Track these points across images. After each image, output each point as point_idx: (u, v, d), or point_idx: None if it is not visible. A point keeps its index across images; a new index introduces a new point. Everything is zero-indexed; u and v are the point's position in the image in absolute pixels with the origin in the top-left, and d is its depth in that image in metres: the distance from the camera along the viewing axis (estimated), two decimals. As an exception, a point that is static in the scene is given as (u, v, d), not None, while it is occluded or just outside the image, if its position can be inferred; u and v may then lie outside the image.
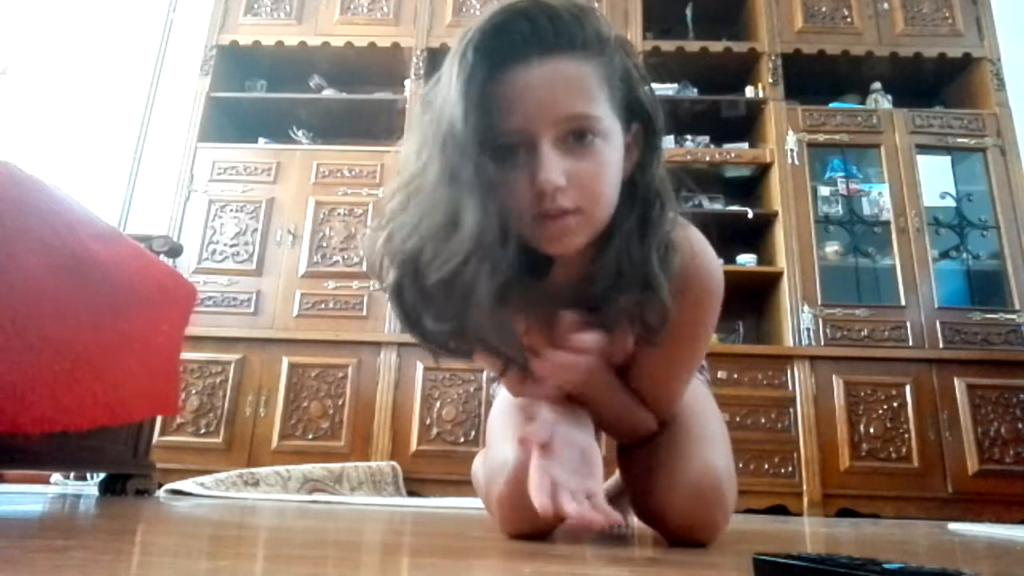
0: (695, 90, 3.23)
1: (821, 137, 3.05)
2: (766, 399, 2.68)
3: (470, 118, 0.63)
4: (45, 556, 0.57)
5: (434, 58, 3.16)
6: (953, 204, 2.97)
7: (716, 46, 3.20)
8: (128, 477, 1.72)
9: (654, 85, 0.76)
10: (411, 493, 2.57)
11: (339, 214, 2.99)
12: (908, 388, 2.66)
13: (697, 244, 0.77)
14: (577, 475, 0.69)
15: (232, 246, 2.95)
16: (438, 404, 2.70)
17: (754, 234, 3.13)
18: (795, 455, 2.61)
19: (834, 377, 2.69)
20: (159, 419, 2.21)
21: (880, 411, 2.64)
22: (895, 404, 2.65)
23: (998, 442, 2.59)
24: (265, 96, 3.36)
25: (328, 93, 3.34)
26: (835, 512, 2.53)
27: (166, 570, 0.54)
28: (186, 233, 2.94)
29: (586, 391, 0.82)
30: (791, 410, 2.66)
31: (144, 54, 3.63)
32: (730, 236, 3.10)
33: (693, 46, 3.19)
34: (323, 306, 2.86)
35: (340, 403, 2.72)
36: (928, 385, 2.67)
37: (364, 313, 2.84)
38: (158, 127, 3.52)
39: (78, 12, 3.73)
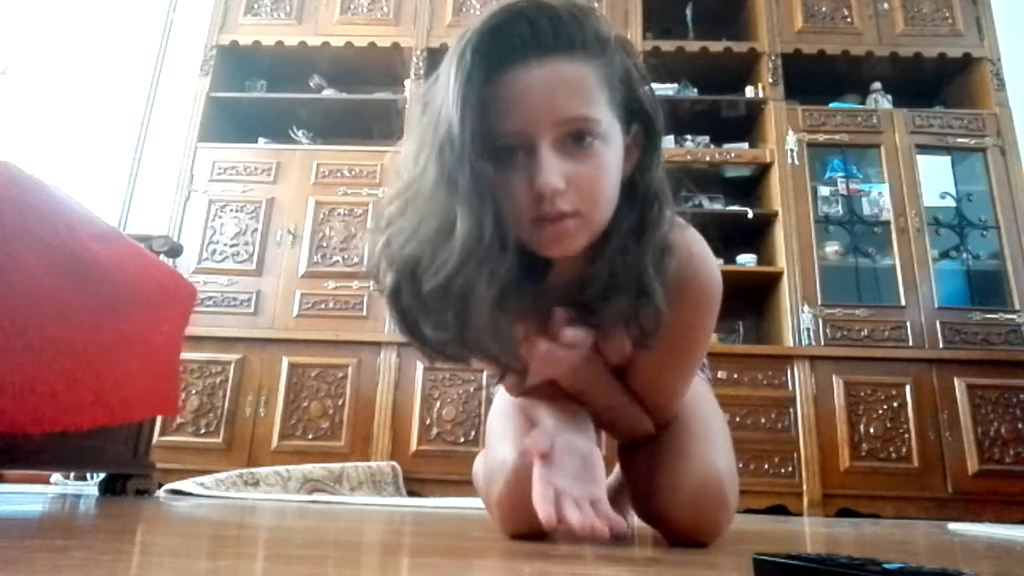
0: (695, 90, 3.23)
1: (821, 137, 3.05)
2: (766, 399, 2.68)
3: (467, 122, 0.62)
4: (45, 556, 0.57)
5: (434, 58, 3.16)
6: (953, 204, 2.97)
7: (716, 46, 3.20)
8: (128, 477, 1.72)
9: (654, 85, 0.75)
10: (411, 493, 2.57)
11: (339, 214, 2.99)
12: (908, 388, 2.66)
13: (695, 246, 0.76)
14: (580, 482, 0.69)
15: (232, 246, 2.95)
16: (438, 404, 2.70)
17: (754, 234, 3.13)
18: (795, 455, 2.61)
19: (834, 377, 2.69)
20: (159, 419, 2.21)
21: (880, 411, 2.64)
22: (895, 404, 2.65)
23: (998, 442, 2.59)
24: (265, 96, 3.36)
25: (328, 93, 3.34)
26: (835, 512, 2.53)
27: (166, 570, 0.54)
28: (186, 233, 2.94)
29: (584, 389, 0.82)
30: (791, 410, 2.66)
31: (144, 54, 3.63)
32: (730, 236, 3.10)
33: (693, 46, 3.19)
34: (323, 306, 2.86)
35: (340, 403, 2.72)
36: (928, 385, 2.67)
37: (364, 313, 2.84)
38: (158, 127, 3.52)
39: (78, 12, 3.73)
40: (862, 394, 2.67)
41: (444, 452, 2.64)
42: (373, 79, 3.40)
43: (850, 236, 2.96)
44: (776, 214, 2.95)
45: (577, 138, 0.66)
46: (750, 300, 3.09)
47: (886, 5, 3.22)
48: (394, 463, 2.58)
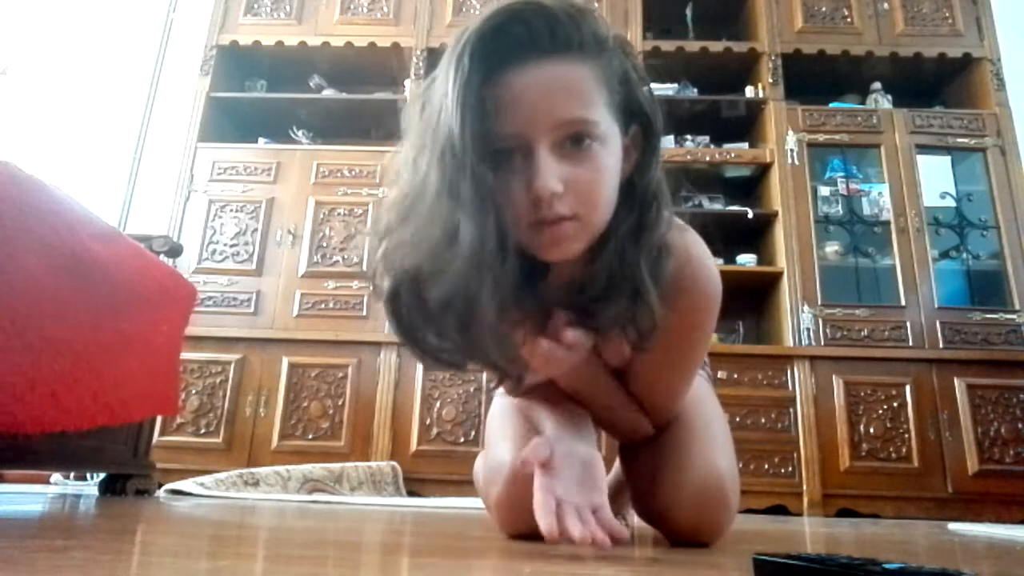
0: (695, 90, 3.23)
1: (821, 137, 3.05)
2: (766, 399, 2.68)
3: (467, 128, 0.61)
4: (45, 556, 0.57)
5: (434, 58, 3.15)
6: (953, 204, 2.97)
7: (716, 46, 3.20)
8: (128, 477, 1.72)
9: (654, 85, 0.75)
10: (411, 493, 2.57)
11: (339, 214, 2.99)
12: (908, 388, 2.66)
13: (694, 248, 0.76)
14: (581, 489, 0.69)
15: (232, 246, 2.95)
16: (438, 404, 2.70)
17: (754, 234, 3.13)
18: (795, 455, 2.61)
19: (834, 377, 2.69)
20: (159, 419, 2.21)
21: (880, 411, 2.64)
22: (895, 404, 2.65)
23: (998, 442, 2.59)
24: (265, 96, 3.36)
25: (328, 93, 3.34)
26: (835, 512, 2.54)
27: (166, 570, 0.54)
28: (186, 233, 2.94)
29: (583, 390, 0.82)
30: (791, 410, 2.66)
31: (144, 54, 3.63)
32: (730, 236, 3.10)
33: (693, 46, 3.19)
34: (323, 306, 2.86)
35: (340, 403, 2.72)
36: (928, 385, 2.67)
37: (364, 313, 2.84)
38: (158, 127, 3.52)
39: (78, 12, 3.73)
40: (862, 394, 2.67)
41: (444, 452, 2.64)
42: (373, 79, 3.40)
43: (850, 236, 2.96)
44: (776, 214, 2.95)
45: (575, 140, 0.65)
46: (750, 300, 3.09)
47: (886, 5, 3.22)
48: (394, 463, 2.58)
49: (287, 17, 3.31)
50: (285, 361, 2.76)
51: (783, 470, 2.60)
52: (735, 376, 2.70)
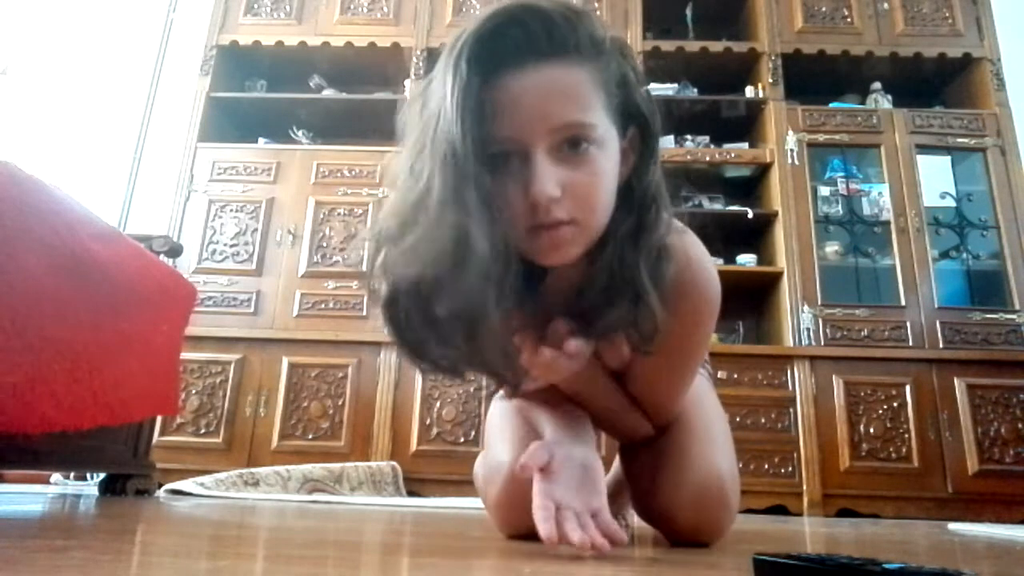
0: (695, 90, 3.23)
1: (821, 137, 3.05)
2: (766, 399, 2.68)
3: (468, 135, 0.61)
4: (45, 556, 0.57)
5: (434, 58, 3.10)
6: (953, 204, 2.97)
7: (716, 46, 3.20)
8: (128, 477, 1.72)
9: (654, 85, 0.75)
10: (411, 493, 2.57)
11: (339, 214, 2.99)
12: (908, 388, 2.66)
13: (693, 251, 0.76)
14: (580, 493, 0.69)
15: (232, 246, 2.95)
16: (438, 404, 2.70)
17: (754, 234, 3.13)
18: (795, 455, 2.61)
19: (834, 377, 2.69)
20: (159, 419, 2.21)
21: (880, 411, 2.64)
22: (895, 404, 2.65)
23: (998, 442, 2.59)
24: (265, 96, 3.36)
25: (328, 93, 3.34)
26: (835, 512, 2.54)
27: (166, 570, 0.54)
28: (186, 233, 2.94)
29: (582, 391, 0.82)
30: (791, 410, 2.66)
31: (144, 54, 3.63)
32: (730, 236, 3.10)
33: (693, 46, 3.19)
34: (323, 306, 2.86)
35: (340, 403, 2.72)
36: (928, 385, 2.67)
37: (364, 313, 2.84)
38: (158, 127, 3.52)
39: (78, 12, 3.73)
40: (862, 394, 2.67)
41: (444, 452, 2.64)
42: (373, 79, 3.40)
43: (850, 236, 2.96)
44: (776, 214, 2.95)
45: (572, 144, 0.64)
46: (750, 300, 3.09)
47: (886, 5, 3.22)
48: (394, 463, 2.58)
49: (287, 17, 3.31)
50: (285, 361, 2.76)
51: (783, 470, 2.60)
52: (735, 376, 2.70)
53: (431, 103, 0.65)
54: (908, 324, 2.76)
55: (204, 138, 3.11)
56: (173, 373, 1.66)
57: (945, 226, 2.94)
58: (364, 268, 0.71)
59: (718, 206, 3.15)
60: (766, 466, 2.60)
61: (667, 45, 3.19)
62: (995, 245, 2.89)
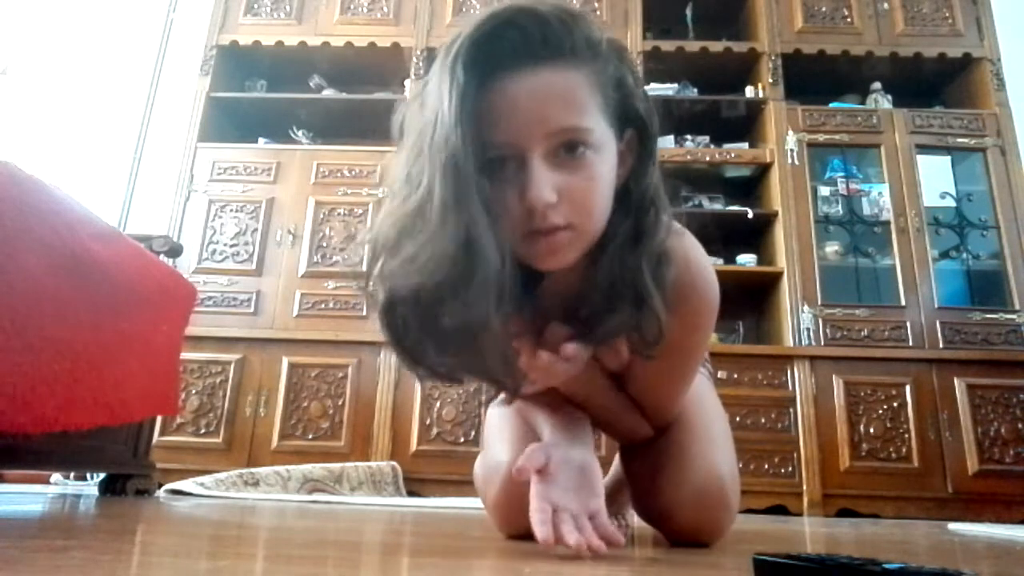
0: (695, 90, 3.23)
1: (821, 137, 3.05)
2: (766, 399, 2.68)
3: (468, 143, 0.60)
4: (45, 556, 0.57)
5: (434, 58, 3.13)
6: (953, 204, 2.97)
7: (716, 46, 3.20)
8: (128, 477, 1.72)
9: (654, 85, 0.75)
10: (411, 493, 2.57)
11: (339, 214, 2.99)
12: (908, 388, 2.66)
13: (692, 253, 0.75)
14: (577, 496, 0.69)
15: (232, 246, 2.95)
16: (438, 404, 2.70)
17: (754, 234, 3.13)
18: (795, 455, 2.61)
19: (834, 377, 2.69)
20: (159, 419, 2.21)
21: (880, 411, 2.64)
22: (895, 404, 2.65)
23: (998, 442, 2.59)
24: (265, 96, 3.36)
25: (328, 93, 3.34)
26: (835, 512, 2.54)
27: (166, 570, 0.54)
28: (186, 233, 2.94)
29: (580, 392, 0.82)
30: (791, 410, 2.66)
31: (144, 54, 3.63)
32: (730, 236, 3.10)
33: (693, 46, 3.19)
34: (323, 306, 2.86)
35: (340, 403, 2.72)
36: (928, 385, 2.67)
37: (364, 313, 2.84)
38: (158, 127, 3.52)
39: (78, 12, 3.73)
40: (862, 394, 2.67)
41: (444, 452, 2.64)
42: (373, 79, 3.40)
43: (850, 236, 2.96)
44: (776, 214, 2.95)
45: (569, 148, 0.64)
46: (750, 300, 3.09)
47: (886, 5, 3.22)
48: (394, 463, 2.58)
49: (287, 17, 3.31)
50: (285, 361, 2.76)
51: (783, 470, 2.60)
52: (735, 376, 2.70)
53: (427, 108, 0.65)
54: (908, 324, 2.76)
55: (204, 138, 3.11)
56: (173, 373, 1.66)
57: (945, 226, 2.94)
58: (364, 268, 0.70)
59: (718, 206, 3.15)
60: (766, 466, 2.60)
61: (667, 45, 3.19)
62: (995, 245, 2.89)
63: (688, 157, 3.10)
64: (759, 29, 3.22)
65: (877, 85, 3.24)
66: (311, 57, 3.33)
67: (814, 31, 3.20)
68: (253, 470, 2.27)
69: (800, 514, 2.53)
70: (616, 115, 0.69)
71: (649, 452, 0.86)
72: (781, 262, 2.88)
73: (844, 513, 2.53)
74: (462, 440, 2.65)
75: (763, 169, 3.11)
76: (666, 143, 3.07)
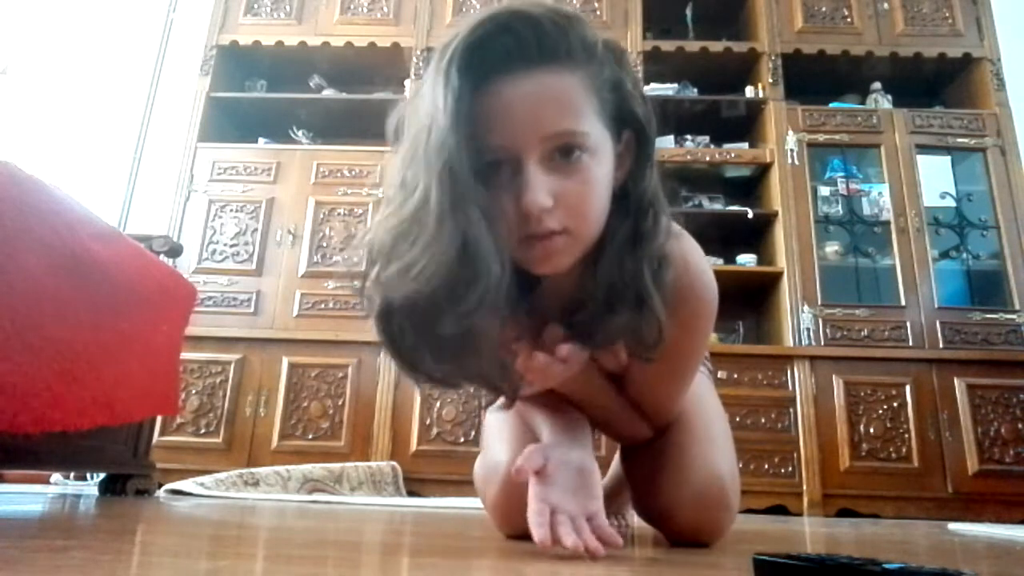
0: (695, 90, 3.23)
1: (821, 137, 3.05)
2: (766, 399, 2.68)
3: (464, 149, 0.59)
4: (45, 556, 0.57)
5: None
6: (953, 204, 2.97)
7: (716, 46, 3.20)
8: (128, 477, 1.72)
9: (654, 85, 0.75)
10: (411, 493, 2.57)
11: (339, 214, 2.99)
12: (908, 388, 2.66)
13: (691, 255, 0.75)
14: (575, 497, 0.69)
15: (232, 246, 2.95)
16: (438, 404, 2.70)
17: (754, 234, 3.13)
18: (795, 455, 2.61)
19: (834, 377, 2.69)
20: (159, 419, 2.21)
21: (880, 411, 2.64)
22: (895, 404, 2.65)
23: (998, 442, 2.59)
24: (265, 96, 3.36)
25: (328, 93, 3.34)
26: (835, 512, 2.54)
27: (166, 570, 0.54)
28: (186, 233, 2.94)
29: (578, 392, 0.82)
30: (791, 410, 2.66)
31: (144, 54, 3.63)
32: (730, 236, 3.10)
33: (693, 46, 3.19)
34: (323, 306, 2.86)
35: (340, 403, 2.72)
36: (928, 385, 2.67)
37: (364, 313, 2.83)
38: (158, 127, 3.52)
39: (78, 12, 3.73)
40: (862, 394, 2.67)
41: (444, 452, 2.64)
42: (373, 79, 3.40)
43: (850, 236, 2.96)
44: (776, 214, 2.95)
45: (564, 152, 0.64)
46: (750, 300, 3.09)
47: (886, 5, 3.22)
48: (394, 463, 2.58)
49: (287, 17, 3.31)
50: (285, 361, 2.76)
51: (783, 470, 2.60)
52: (735, 376, 2.70)
53: (421, 112, 0.64)
54: (908, 324, 2.76)
55: (204, 138, 3.11)
56: (173, 373, 1.66)
57: (945, 226, 2.94)
58: (357, 278, 0.69)
59: (718, 206, 3.15)
60: (766, 466, 2.60)
61: (667, 45, 3.19)
62: (995, 245, 2.89)
63: (688, 157, 3.10)
64: (759, 29, 3.22)
65: (877, 85, 3.24)
66: (311, 57, 3.33)
67: (814, 31, 3.20)
68: (253, 470, 2.27)
69: (800, 514, 2.53)
70: (613, 117, 0.68)
71: (649, 452, 0.86)
72: (781, 262, 2.88)
73: (844, 513, 2.53)
74: (462, 440, 2.65)
75: (763, 169, 3.11)
76: (666, 143, 3.07)
